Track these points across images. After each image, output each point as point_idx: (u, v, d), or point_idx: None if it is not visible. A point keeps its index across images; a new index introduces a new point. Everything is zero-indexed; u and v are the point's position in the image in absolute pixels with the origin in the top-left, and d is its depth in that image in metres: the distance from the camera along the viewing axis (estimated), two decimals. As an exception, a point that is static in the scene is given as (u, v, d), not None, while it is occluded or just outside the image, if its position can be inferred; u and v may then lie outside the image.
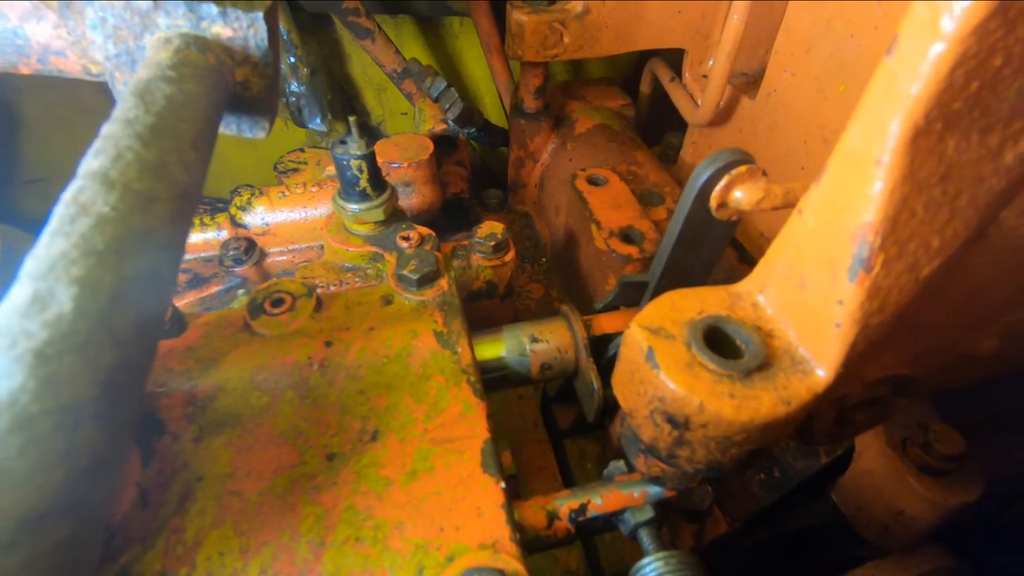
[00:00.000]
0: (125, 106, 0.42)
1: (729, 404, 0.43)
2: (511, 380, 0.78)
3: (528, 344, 0.76)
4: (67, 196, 0.34)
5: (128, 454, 0.30)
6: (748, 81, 1.21)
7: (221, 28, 0.52)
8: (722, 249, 0.68)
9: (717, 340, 0.47)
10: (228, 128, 0.59)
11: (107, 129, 0.39)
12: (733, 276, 1.10)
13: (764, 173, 0.59)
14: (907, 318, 0.44)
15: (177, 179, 0.39)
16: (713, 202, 0.59)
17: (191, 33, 0.51)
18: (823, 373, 0.44)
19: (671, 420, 0.46)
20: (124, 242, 0.32)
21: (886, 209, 0.37)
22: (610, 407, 0.78)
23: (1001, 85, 0.33)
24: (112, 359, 0.27)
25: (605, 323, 0.78)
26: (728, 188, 0.58)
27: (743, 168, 0.58)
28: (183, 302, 1.06)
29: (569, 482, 0.88)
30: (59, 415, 0.24)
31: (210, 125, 0.47)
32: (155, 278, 0.33)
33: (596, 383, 0.72)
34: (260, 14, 0.52)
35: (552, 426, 0.93)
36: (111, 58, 0.52)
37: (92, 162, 0.36)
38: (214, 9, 0.51)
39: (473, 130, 1.41)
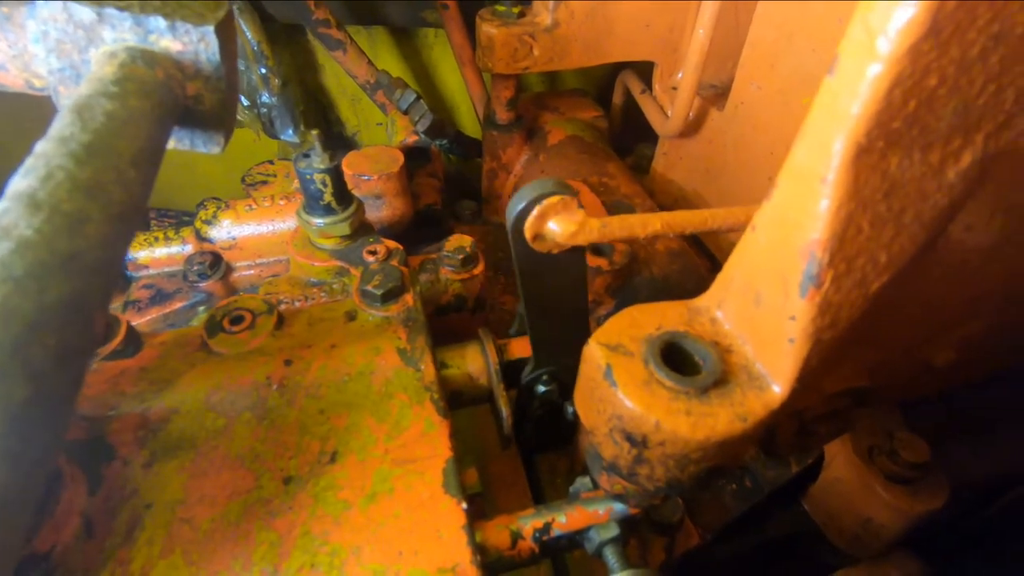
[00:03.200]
0: (62, 123, 0.40)
1: (685, 422, 0.42)
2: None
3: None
4: (-11, 219, 0.32)
5: (40, 490, 0.28)
6: (717, 93, 1.23)
7: (170, 42, 0.51)
8: (582, 274, 0.67)
9: (676, 356, 0.47)
10: (181, 143, 0.58)
11: (40, 147, 0.38)
12: (703, 287, 1.11)
13: (580, 205, 0.58)
14: (862, 332, 0.44)
15: (114, 199, 0.38)
16: (527, 234, 0.58)
17: (138, 47, 0.50)
18: (778, 389, 0.44)
19: (629, 438, 0.45)
20: (46, 267, 0.30)
21: (833, 226, 0.37)
22: (575, 421, 0.77)
23: (938, 104, 0.34)
24: (25, 393, 0.26)
25: (519, 348, 0.77)
26: (541, 219, 0.57)
27: (555, 199, 0.56)
28: (145, 318, 1.03)
29: (539, 498, 0.87)
30: (-42, 456, 0.23)
31: (154, 142, 0.45)
32: (81, 304, 0.31)
33: (505, 411, 0.71)
34: (211, 28, 0.51)
35: (523, 440, 0.92)
36: (54, 72, 0.51)
37: (20, 182, 0.35)
38: (162, 23, 0.49)
39: (445, 141, 1.41)
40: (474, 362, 0.74)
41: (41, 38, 0.49)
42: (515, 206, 0.57)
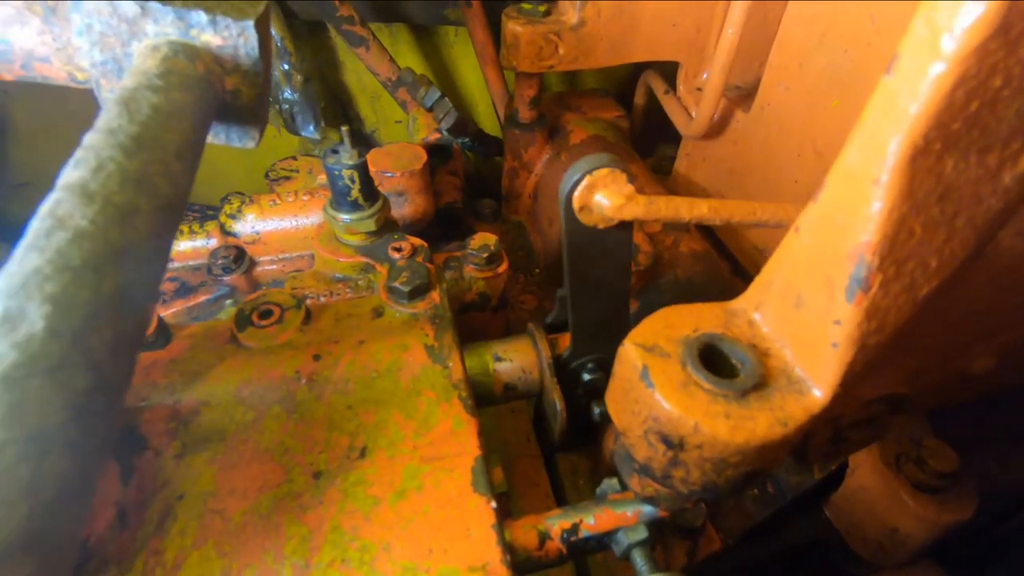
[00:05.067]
0: (109, 115, 0.40)
1: (724, 425, 0.42)
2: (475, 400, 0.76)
3: (491, 363, 0.74)
4: (44, 209, 0.32)
5: (97, 480, 0.28)
6: (742, 94, 1.21)
7: (211, 36, 0.51)
8: (628, 256, 0.67)
9: (712, 358, 0.47)
10: (217, 137, 0.58)
11: (89, 139, 0.38)
12: (727, 289, 1.10)
13: (630, 180, 0.58)
14: (904, 337, 0.43)
15: (161, 191, 0.38)
16: (575, 204, 0.59)
17: (180, 41, 0.50)
18: (820, 394, 0.43)
19: (666, 440, 0.45)
20: (102, 257, 0.31)
21: (884, 229, 0.36)
22: (601, 422, 0.77)
23: (1000, 106, 0.33)
24: (85, 382, 0.26)
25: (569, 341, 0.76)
26: (589, 191, 0.58)
27: (604, 171, 0.58)
28: (170, 311, 1.04)
29: (561, 499, 0.86)
30: (24, 444, 0.23)
31: (197, 135, 0.46)
32: (134, 294, 0.32)
33: (559, 404, 0.71)
34: (251, 23, 0.51)
35: (545, 440, 0.92)
36: (97, 65, 0.51)
37: (72, 173, 0.35)
38: (204, 17, 0.50)
39: (467, 140, 1.41)
40: (526, 356, 0.75)
41: (85, 31, 0.49)
42: (568, 178, 0.59)
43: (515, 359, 0.74)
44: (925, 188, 0.36)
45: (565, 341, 0.76)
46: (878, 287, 0.38)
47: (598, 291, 0.68)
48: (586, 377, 0.74)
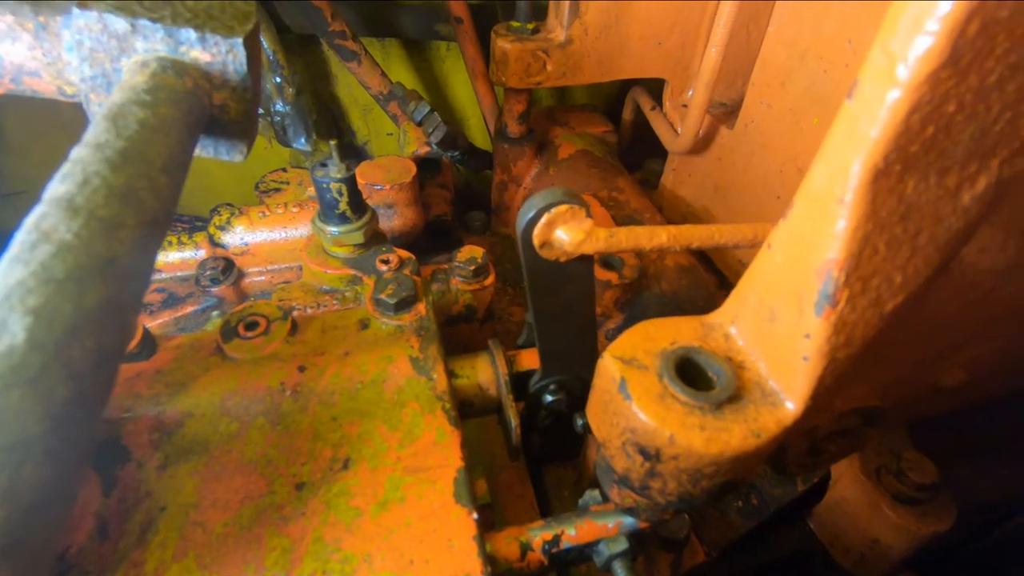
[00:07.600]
0: (96, 130, 0.41)
1: (699, 436, 0.43)
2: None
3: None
4: (29, 222, 0.33)
5: (77, 489, 0.29)
6: (727, 111, 1.24)
7: (199, 53, 0.52)
8: (591, 284, 0.67)
9: (689, 371, 0.48)
10: (205, 151, 0.59)
11: (76, 153, 0.39)
12: (712, 303, 1.11)
13: (588, 215, 0.59)
14: (874, 351, 0.44)
15: (146, 205, 0.39)
16: (535, 241, 0.59)
17: (169, 57, 0.51)
18: (792, 406, 0.44)
19: (643, 452, 0.46)
20: (86, 270, 0.31)
21: (849, 246, 0.38)
22: (584, 434, 0.78)
23: (955, 130, 0.34)
24: (66, 393, 0.26)
25: (528, 359, 0.77)
26: (549, 227, 0.58)
27: (563, 207, 0.57)
28: (157, 321, 1.04)
29: (546, 510, 0.87)
30: (3, 452, 0.23)
31: (184, 150, 0.46)
32: (117, 308, 0.32)
33: (514, 422, 0.71)
34: (239, 40, 0.52)
35: (530, 452, 0.92)
36: (87, 80, 0.52)
37: (58, 187, 0.36)
38: (193, 34, 0.51)
39: (457, 153, 1.42)
40: (484, 372, 0.75)
41: (75, 47, 0.50)
42: (525, 214, 0.59)
43: (472, 376, 0.74)
44: (887, 207, 0.37)
45: (524, 358, 0.77)
46: (845, 302, 0.40)
47: (563, 319, 0.69)
48: (548, 399, 0.75)
